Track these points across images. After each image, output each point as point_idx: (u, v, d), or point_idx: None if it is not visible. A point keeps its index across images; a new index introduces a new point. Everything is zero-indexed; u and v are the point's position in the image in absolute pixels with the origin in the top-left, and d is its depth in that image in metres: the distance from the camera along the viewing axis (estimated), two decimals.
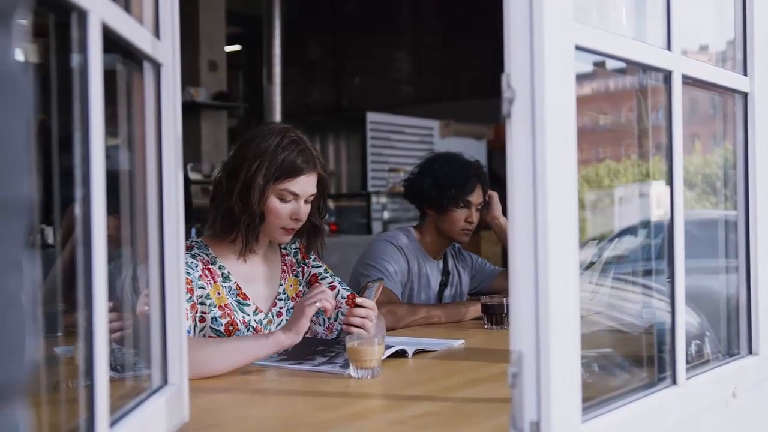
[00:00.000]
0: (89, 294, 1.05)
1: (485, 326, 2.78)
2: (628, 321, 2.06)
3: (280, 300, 2.42)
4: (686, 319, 1.63)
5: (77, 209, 1.04)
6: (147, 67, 1.40)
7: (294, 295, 2.45)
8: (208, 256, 2.31)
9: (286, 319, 2.38)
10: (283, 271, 2.46)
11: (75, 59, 1.05)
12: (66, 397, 1.31)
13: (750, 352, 1.90)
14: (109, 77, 1.12)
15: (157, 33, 1.41)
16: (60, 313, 1.50)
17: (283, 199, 2.28)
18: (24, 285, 0.63)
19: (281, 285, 2.44)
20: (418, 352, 2.28)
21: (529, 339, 1.22)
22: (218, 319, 2.25)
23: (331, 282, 2.48)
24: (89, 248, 1.05)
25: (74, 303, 1.10)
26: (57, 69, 1.09)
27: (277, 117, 9.44)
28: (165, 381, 1.44)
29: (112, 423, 1.14)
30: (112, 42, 1.15)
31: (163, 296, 1.44)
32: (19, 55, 0.64)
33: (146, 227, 1.43)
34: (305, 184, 2.30)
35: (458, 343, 2.46)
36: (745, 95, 1.90)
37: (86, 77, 1.04)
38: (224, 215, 2.29)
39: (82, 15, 1.03)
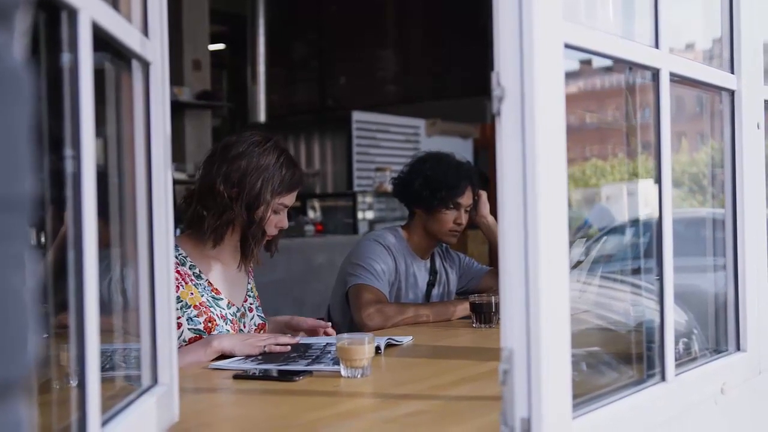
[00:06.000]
0: (80, 294, 1.04)
1: (474, 325, 2.78)
2: (616, 319, 2.07)
3: (249, 296, 2.55)
4: (674, 318, 1.64)
5: (68, 210, 1.03)
6: (135, 65, 1.39)
7: (256, 295, 2.60)
8: (177, 257, 2.35)
9: (258, 315, 2.55)
10: (249, 272, 2.59)
11: (65, 58, 1.05)
12: (53, 397, 1.30)
13: (738, 348, 1.91)
14: (97, 76, 1.12)
15: (145, 31, 1.41)
16: (49, 314, 1.49)
17: (275, 212, 2.42)
18: (26, 282, 0.63)
19: (249, 284, 2.57)
20: (389, 345, 2.35)
21: (519, 336, 1.22)
22: (194, 318, 2.33)
23: (251, 304, 2.62)
24: (80, 249, 1.04)
25: (61, 304, 1.10)
26: (46, 67, 1.08)
27: (262, 117, 9.44)
28: (155, 381, 1.44)
29: (104, 423, 1.13)
30: (101, 40, 1.15)
31: (153, 297, 1.43)
32: (19, 54, 0.64)
33: (135, 227, 1.42)
34: (294, 197, 2.48)
35: (407, 339, 2.49)
36: (732, 93, 1.91)
37: (77, 76, 1.04)
38: (226, 225, 2.37)
39: (72, 13, 1.03)
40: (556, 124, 1.26)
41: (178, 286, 2.29)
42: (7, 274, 0.60)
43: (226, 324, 2.38)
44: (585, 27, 1.39)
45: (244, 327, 2.47)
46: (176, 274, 2.30)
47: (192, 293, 2.35)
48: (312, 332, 2.53)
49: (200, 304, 2.34)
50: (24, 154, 0.62)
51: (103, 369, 1.16)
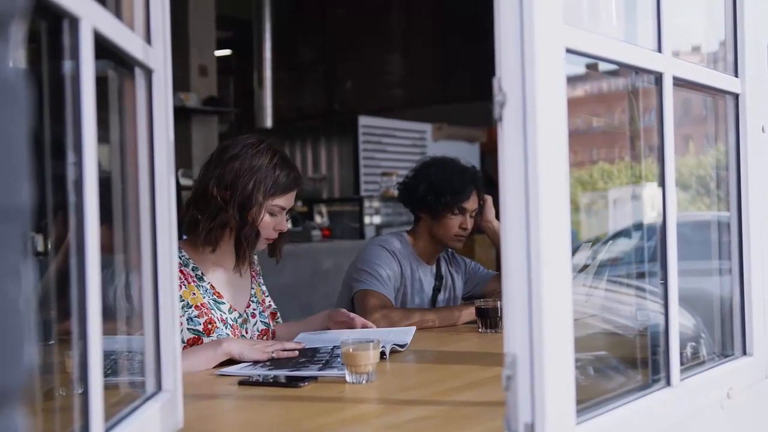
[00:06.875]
0: (83, 301, 1.05)
1: (479, 330, 2.78)
2: (623, 323, 2.06)
3: (253, 302, 2.55)
4: (682, 322, 1.63)
5: (70, 217, 1.04)
6: (138, 73, 1.40)
7: (260, 300, 2.59)
8: (180, 258, 2.36)
9: (260, 321, 2.54)
10: (253, 277, 2.59)
11: (66, 66, 1.05)
12: (58, 404, 1.31)
13: (744, 353, 1.90)
14: (100, 83, 1.12)
15: (148, 39, 1.41)
16: (53, 321, 1.49)
17: (271, 213, 2.42)
18: (23, 292, 0.63)
19: (252, 289, 2.57)
20: (394, 351, 2.34)
21: (522, 341, 1.22)
22: (195, 318, 2.34)
23: (264, 300, 2.62)
24: (82, 256, 1.04)
25: (66, 311, 1.10)
26: (48, 75, 1.08)
27: (269, 122, 9.44)
28: (159, 387, 1.44)
29: (107, 429, 1.13)
30: (103, 48, 1.15)
31: (157, 303, 1.44)
32: (16, 63, 0.64)
33: (138, 234, 1.42)
34: (292, 199, 2.46)
35: (411, 330, 2.54)
36: (736, 96, 1.90)
37: (78, 84, 1.04)
38: (220, 227, 2.38)
39: (74, 22, 1.03)
40: (557, 129, 1.26)
41: (180, 285, 2.30)
42: (3, 284, 0.60)
43: (225, 328, 2.38)
44: (586, 31, 1.39)
45: (246, 333, 2.47)
46: (179, 274, 2.31)
47: (194, 293, 2.35)
48: (348, 325, 2.55)
49: (201, 305, 2.35)
50: (21, 163, 0.63)
51: (106, 374, 1.16)
